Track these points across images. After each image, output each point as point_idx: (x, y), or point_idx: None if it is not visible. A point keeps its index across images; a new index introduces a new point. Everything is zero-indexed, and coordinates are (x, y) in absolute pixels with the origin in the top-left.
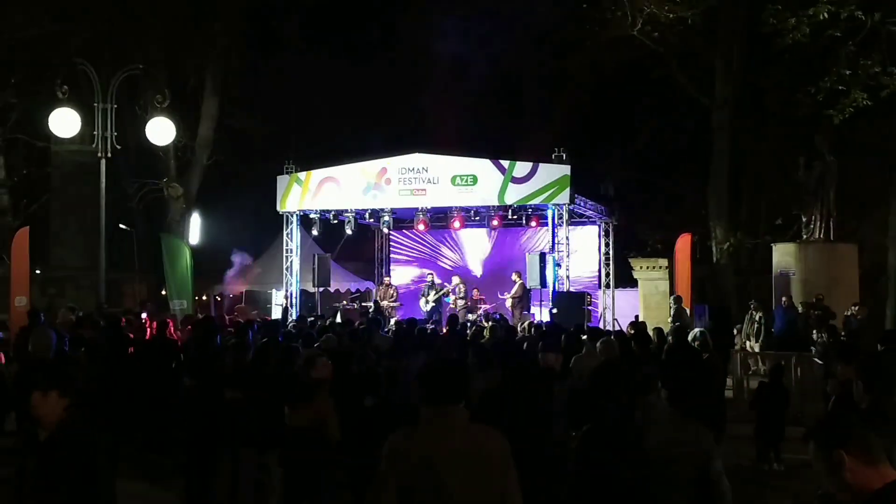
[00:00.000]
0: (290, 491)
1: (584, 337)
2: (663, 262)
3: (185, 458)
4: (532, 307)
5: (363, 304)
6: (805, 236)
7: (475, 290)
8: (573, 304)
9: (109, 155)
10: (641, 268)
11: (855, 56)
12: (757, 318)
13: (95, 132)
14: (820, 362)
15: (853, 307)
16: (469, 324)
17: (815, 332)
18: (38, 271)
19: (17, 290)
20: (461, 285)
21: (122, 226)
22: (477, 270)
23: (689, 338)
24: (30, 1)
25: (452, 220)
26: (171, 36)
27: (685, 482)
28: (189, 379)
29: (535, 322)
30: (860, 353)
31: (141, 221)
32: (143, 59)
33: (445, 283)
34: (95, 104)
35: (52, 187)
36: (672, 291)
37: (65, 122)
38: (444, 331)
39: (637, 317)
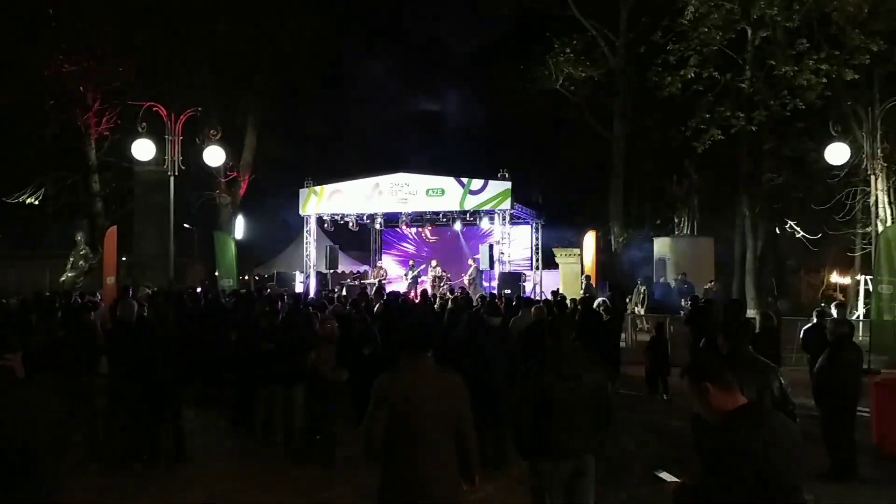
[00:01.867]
0: (311, 413)
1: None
2: (576, 251)
3: (232, 392)
4: (484, 283)
5: (361, 281)
6: (676, 232)
7: (444, 271)
8: (512, 281)
9: (176, 173)
10: (561, 255)
11: (712, 104)
12: (642, 290)
13: (166, 157)
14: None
15: (710, 282)
16: (438, 296)
17: (682, 300)
18: (124, 258)
19: (108, 272)
20: (438, 267)
21: (185, 225)
22: (444, 257)
23: (595, 305)
24: (120, 57)
25: (425, 227)
26: (222, 85)
27: (589, 397)
28: (235, 334)
29: (486, 294)
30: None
31: (200, 222)
32: (202, 103)
33: (419, 266)
34: (166, 136)
35: (135, 197)
36: (583, 272)
37: (144, 149)
38: (417, 301)
39: (557, 290)
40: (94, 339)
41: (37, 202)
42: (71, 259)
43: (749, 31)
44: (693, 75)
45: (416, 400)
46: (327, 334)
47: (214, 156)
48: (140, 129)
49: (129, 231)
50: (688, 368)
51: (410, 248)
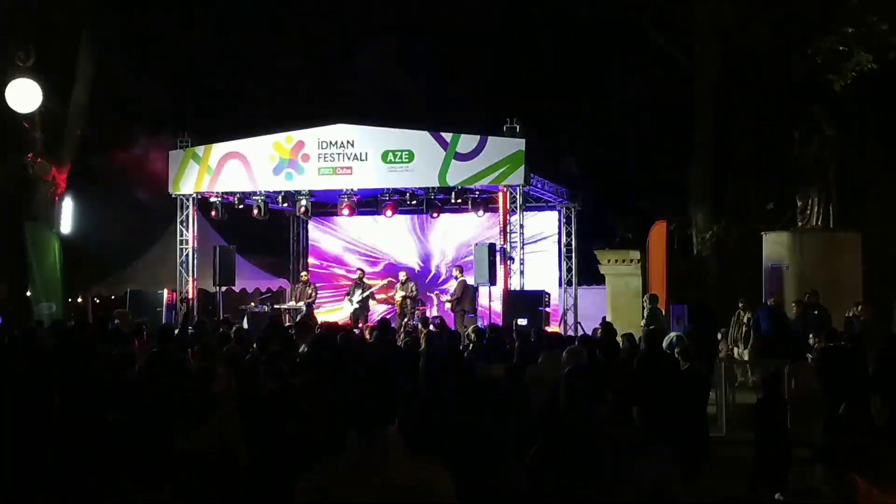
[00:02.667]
0: None
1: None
2: (635, 254)
3: (58, 495)
4: (480, 307)
5: (275, 306)
6: (801, 224)
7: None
8: (529, 304)
9: None
10: (609, 261)
11: (859, 11)
12: (745, 319)
13: None
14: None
15: (855, 307)
16: (404, 330)
17: (811, 336)
18: None
19: None
20: (410, 282)
21: None
22: (413, 265)
23: (665, 344)
24: None
25: (384, 206)
26: None
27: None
28: (61, 397)
29: (482, 326)
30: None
31: (1, 206)
32: (4, 9)
33: (369, 281)
34: None
35: None
36: (645, 290)
37: None
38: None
39: (604, 318)
40: None
41: None
42: None
43: None
44: None
45: None
46: (218, 392)
47: (24, 95)
48: None
49: None
50: (824, 452)
51: (356, 251)
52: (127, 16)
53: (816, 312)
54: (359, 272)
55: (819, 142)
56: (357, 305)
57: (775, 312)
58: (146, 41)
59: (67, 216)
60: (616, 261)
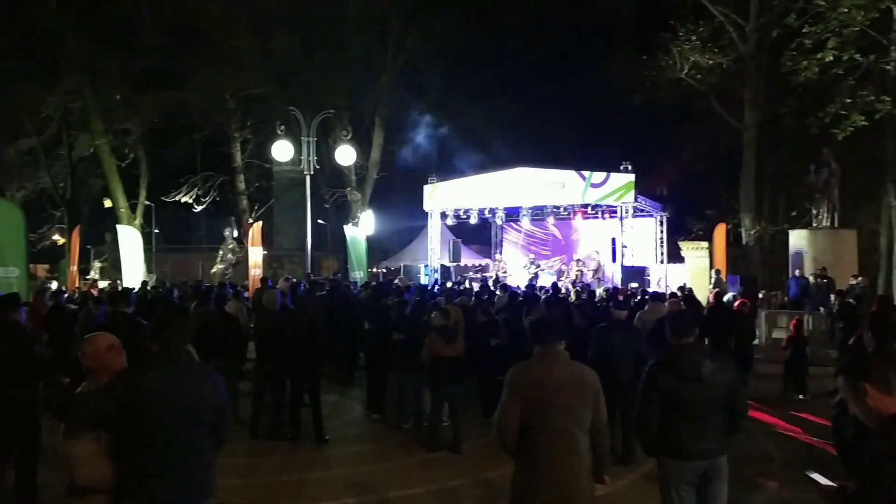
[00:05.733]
0: (437, 399)
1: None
2: (704, 244)
3: (366, 377)
4: (607, 277)
5: (484, 274)
6: (815, 224)
7: (563, 263)
8: (636, 275)
9: (312, 172)
10: (688, 249)
11: (854, 88)
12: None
13: (302, 157)
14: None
15: (857, 278)
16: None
17: (832, 295)
18: (265, 252)
19: (253, 264)
20: (583, 260)
21: (320, 220)
22: (566, 251)
23: (725, 299)
24: (258, 65)
25: (548, 216)
26: (352, 91)
27: (719, 398)
28: (368, 324)
29: (610, 288)
30: (871, 312)
31: (333, 217)
32: (333, 106)
33: (539, 262)
34: (302, 138)
35: (274, 195)
36: (711, 265)
37: (282, 151)
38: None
39: (684, 284)
40: (239, 326)
41: (190, 200)
42: (220, 252)
43: (894, 10)
44: (832, 58)
45: (550, 390)
46: (454, 323)
47: (346, 155)
48: (279, 132)
49: (271, 227)
50: (845, 367)
51: (531, 242)
52: (399, 108)
53: (825, 281)
54: (531, 255)
55: (827, 172)
56: (531, 275)
57: (800, 280)
58: (409, 121)
59: (369, 222)
60: (692, 248)
